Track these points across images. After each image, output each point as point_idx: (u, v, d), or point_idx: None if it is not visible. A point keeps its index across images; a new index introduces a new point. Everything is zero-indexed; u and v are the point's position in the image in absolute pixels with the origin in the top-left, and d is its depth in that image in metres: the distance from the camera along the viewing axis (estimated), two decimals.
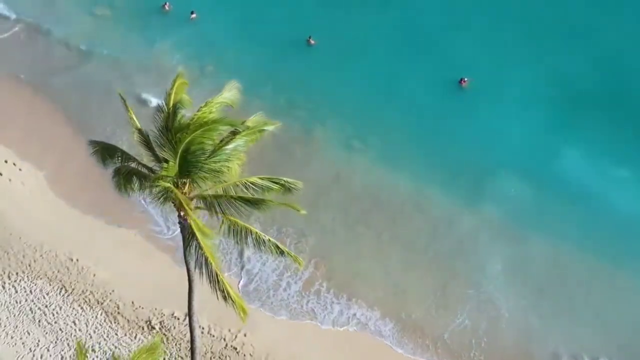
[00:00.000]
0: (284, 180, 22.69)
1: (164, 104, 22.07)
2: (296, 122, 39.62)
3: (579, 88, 41.55)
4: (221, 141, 21.84)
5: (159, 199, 21.18)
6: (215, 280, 21.45)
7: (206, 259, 21.34)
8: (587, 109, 40.49)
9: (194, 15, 47.59)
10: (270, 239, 22.48)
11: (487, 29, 45.21)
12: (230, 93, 23.02)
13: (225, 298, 21.59)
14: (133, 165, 22.68)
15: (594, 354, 31.16)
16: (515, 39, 44.59)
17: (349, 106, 41.55)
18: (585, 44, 43.87)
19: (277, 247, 22.49)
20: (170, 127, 21.60)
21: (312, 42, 44.90)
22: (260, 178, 22.62)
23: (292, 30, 45.65)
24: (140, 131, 22.79)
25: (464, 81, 41.84)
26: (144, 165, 22.67)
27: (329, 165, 38.70)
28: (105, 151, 23.30)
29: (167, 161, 21.37)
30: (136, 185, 22.30)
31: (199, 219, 21.90)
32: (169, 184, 20.69)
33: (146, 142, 22.57)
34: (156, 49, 45.56)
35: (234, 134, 22.02)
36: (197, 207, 22.54)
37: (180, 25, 47.35)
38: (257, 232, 22.28)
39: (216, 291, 21.54)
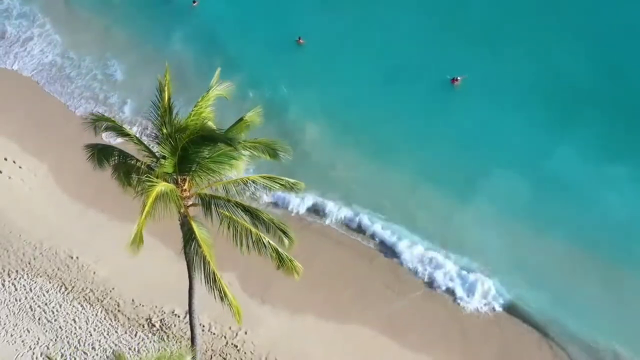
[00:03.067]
0: (286, 181, 22.40)
1: (159, 100, 21.87)
2: (289, 119, 39.54)
3: (572, 85, 41.29)
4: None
5: (140, 193, 21.06)
6: (212, 280, 21.24)
7: (204, 258, 21.12)
8: (580, 106, 40.27)
9: (195, 4, 48.15)
10: (271, 241, 22.04)
11: (479, 27, 45.01)
12: (223, 85, 22.83)
13: (222, 298, 21.37)
14: (132, 162, 22.49)
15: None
16: (507, 38, 44.39)
17: (340, 104, 41.52)
18: (579, 41, 43.71)
19: (277, 251, 22.06)
20: (167, 124, 21.44)
21: (302, 41, 45.00)
22: (261, 177, 22.33)
23: (285, 28, 45.68)
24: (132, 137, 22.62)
25: (456, 80, 41.64)
26: (144, 163, 22.46)
27: (321, 160, 38.63)
28: (101, 153, 23.00)
29: (165, 158, 21.23)
30: (135, 182, 22.14)
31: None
32: (156, 182, 20.46)
33: (140, 142, 22.43)
34: (157, 40, 45.65)
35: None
36: (194, 204, 22.34)
37: (182, 13, 47.58)
38: (257, 233, 21.94)
39: (213, 291, 21.33)
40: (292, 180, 22.58)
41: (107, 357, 29.91)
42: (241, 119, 22.50)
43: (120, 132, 22.76)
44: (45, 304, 31.92)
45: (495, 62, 42.91)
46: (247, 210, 21.84)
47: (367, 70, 43.30)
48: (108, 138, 39.87)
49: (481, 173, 37.46)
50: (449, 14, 46.21)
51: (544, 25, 45.05)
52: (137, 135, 23.11)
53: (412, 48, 44.14)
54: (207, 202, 21.87)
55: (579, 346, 30.74)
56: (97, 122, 23.01)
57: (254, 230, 21.92)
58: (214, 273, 21.11)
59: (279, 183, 22.36)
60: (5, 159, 38.55)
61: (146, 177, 20.98)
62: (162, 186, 20.58)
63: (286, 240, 21.80)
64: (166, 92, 21.83)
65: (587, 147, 38.12)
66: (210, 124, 21.89)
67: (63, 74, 45.22)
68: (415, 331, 31.64)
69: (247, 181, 22.13)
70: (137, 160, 22.49)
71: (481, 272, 33.40)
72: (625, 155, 37.57)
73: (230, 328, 31.06)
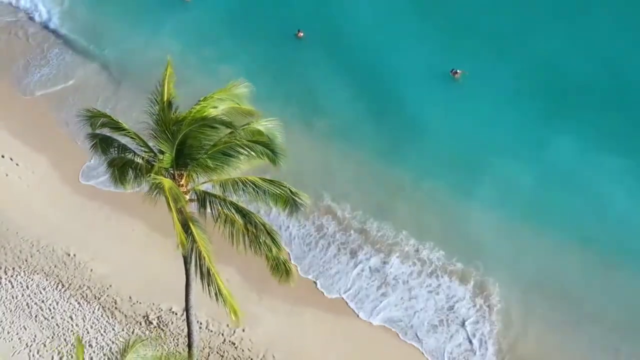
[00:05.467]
0: (288, 188, 21.51)
1: (157, 95, 21.71)
2: (288, 115, 39.22)
3: (572, 78, 41.19)
4: (220, 139, 21.35)
5: (154, 192, 20.71)
6: (208, 277, 20.95)
7: (200, 254, 20.84)
8: (579, 99, 40.22)
9: None
10: (266, 240, 21.72)
11: (479, 19, 44.91)
12: (236, 90, 22.37)
13: (216, 296, 20.97)
14: (129, 156, 22.32)
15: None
16: (507, 30, 44.34)
17: (340, 98, 41.25)
18: (578, 33, 43.60)
19: (272, 251, 21.75)
20: (166, 118, 21.30)
21: (301, 34, 44.69)
22: (261, 179, 21.73)
23: (283, 22, 45.47)
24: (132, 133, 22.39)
25: (456, 73, 41.55)
26: (141, 157, 22.26)
27: (322, 155, 38.56)
28: (103, 142, 22.79)
29: (163, 153, 21.09)
30: (131, 177, 21.97)
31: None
32: (160, 180, 20.23)
33: (137, 137, 22.26)
34: (150, 35, 45.55)
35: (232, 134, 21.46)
36: (191, 200, 22.18)
37: (174, 7, 47.30)
38: (253, 232, 21.59)
39: (208, 287, 20.94)
40: (294, 190, 21.58)
41: (104, 354, 29.82)
42: (248, 124, 21.87)
43: (116, 127, 22.55)
44: (42, 302, 31.80)
45: (495, 55, 42.78)
46: (239, 210, 21.52)
47: (368, 64, 42.99)
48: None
49: (481, 167, 37.41)
50: (449, 7, 46.08)
51: (543, 18, 45.00)
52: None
53: (412, 41, 43.91)
54: (203, 199, 21.70)
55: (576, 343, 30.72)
56: (93, 118, 22.80)
57: (249, 229, 21.61)
58: (208, 269, 20.76)
59: (279, 188, 21.46)
60: (3, 156, 38.42)
61: (149, 175, 20.61)
62: (166, 181, 20.42)
63: (274, 248, 21.48)
64: (166, 86, 21.66)
65: (587, 139, 38.02)
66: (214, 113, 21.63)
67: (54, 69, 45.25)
68: (413, 327, 31.64)
69: (245, 181, 21.65)
70: (136, 154, 22.33)
71: (476, 273, 33.37)
72: (629, 149, 37.64)
73: (227, 325, 30.95)
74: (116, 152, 22.51)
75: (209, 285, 20.93)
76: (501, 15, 45.29)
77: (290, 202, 21.55)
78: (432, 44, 43.72)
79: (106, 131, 23.08)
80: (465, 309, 32.14)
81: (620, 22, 44.17)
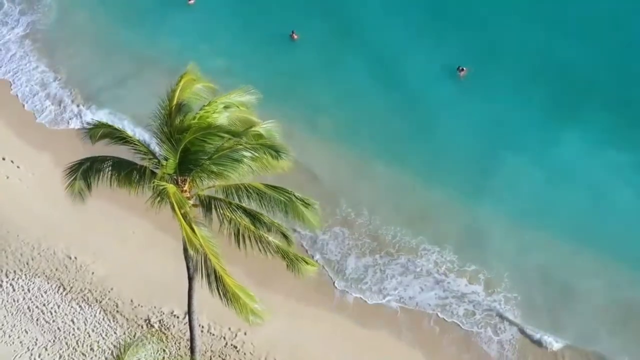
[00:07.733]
0: (294, 194, 21.19)
1: (166, 100, 21.62)
2: (285, 117, 39.11)
3: (578, 74, 41.27)
4: (225, 144, 21.24)
5: (157, 198, 20.57)
6: (215, 279, 20.64)
7: (205, 256, 20.59)
8: (585, 95, 40.23)
9: (192, 1, 47.59)
10: (275, 240, 21.55)
11: (484, 17, 44.94)
12: (241, 97, 22.31)
13: (229, 300, 20.57)
14: (127, 165, 22.17)
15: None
16: (512, 27, 44.34)
17: (339, 100, 41.13)
18: (584, 30, 43.71)
19: (283, 250, 21.57)
20: (171, 124, 21.22)
21: (295, 36, 44.23)
22: (265, 186, 21.51)
23: (279, 22, 45.27)
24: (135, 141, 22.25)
25: (462, 70, 41.43)
26: (147, 167, 22.09)
27: (326, 158, 38.45)
28: (86, 173, 22.49)
29: (166, 159, 20.99)
30: (136, 179, 21.84)
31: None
32: (164, 186, 20.10)
33: (140, 144, 22.16)
34: (154, 38, 45.45)
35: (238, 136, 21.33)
36: (195, 205, 22.09)
37: (178, 10, 47.20)
38: (261, 234, 21.52)
39: (217, 291, 20.66)
40: (299, 195, 21.19)
41: (106, 358, 29.76)
42: (248, 128, 21.78)
43: (118, 137, 22.34)
44: (44, 305, 31.74)
45: (499, 53, 42.81)
46: (247, 212, 21.41)
47: (367, 65, 42.76)
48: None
49: (486, 163, 37.53)
50: (453, 3, 46.04)
51: (548, 15, 44.99)
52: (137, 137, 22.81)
53: (412, 40, 43.72)
54: (207, 203, 21.61)
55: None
56: (94, 130, 22.54)
57: (255, 230, 21.41)
58: (214, 271, 20.41)
59: (284, 195, 21.20)
60: (3, 159, 38.34)
61: (154, 182, 20.41)
62: (170, 187, 20.31)
63: (287, 243, 21.35)
64: (176, 94, 21.56)
65: (595, 137, 38.07)
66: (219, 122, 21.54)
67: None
68: (411, 329, 31.78)
69: (249, 187, 21.47)
70: (134, 163, 22.19)
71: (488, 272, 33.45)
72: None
73: (229, 329, 30.94)
74: (110, 168, 22.27)
75: (217, 289, 20.63)
76: (506, 12, 45.23)
77: (298, 210, 21.17)
78: (436, 41, 43.56)
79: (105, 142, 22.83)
80: (473, 306, 32.43)
81: (626, 17, 44.13)
